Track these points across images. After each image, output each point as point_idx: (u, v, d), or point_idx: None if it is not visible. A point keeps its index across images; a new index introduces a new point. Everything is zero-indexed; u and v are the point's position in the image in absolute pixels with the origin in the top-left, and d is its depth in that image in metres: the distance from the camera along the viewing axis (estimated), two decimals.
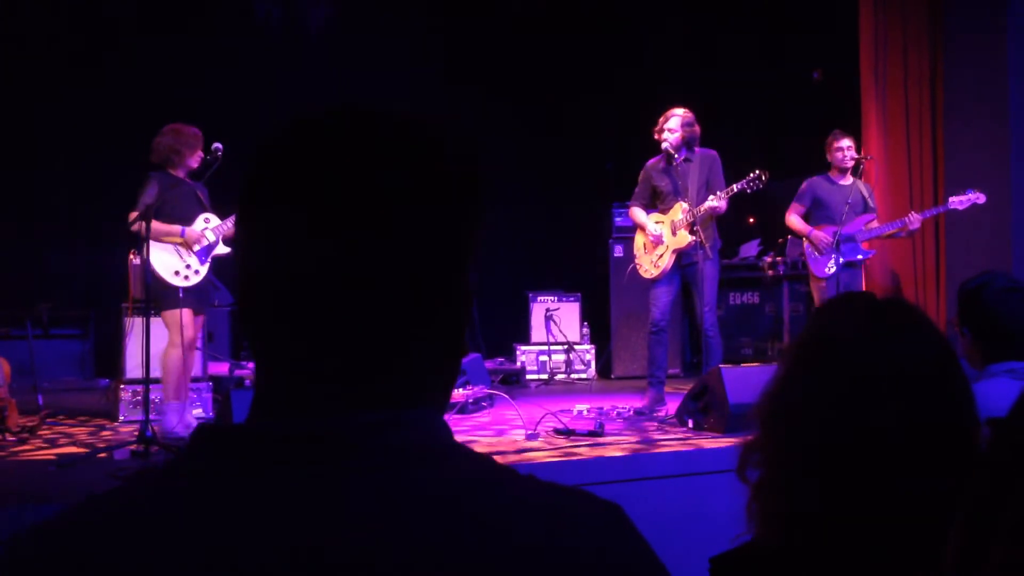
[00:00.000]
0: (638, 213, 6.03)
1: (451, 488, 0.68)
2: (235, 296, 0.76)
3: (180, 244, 5.15)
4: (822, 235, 6.30)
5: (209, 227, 5.28)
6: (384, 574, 0.63)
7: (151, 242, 4.96)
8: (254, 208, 0.74)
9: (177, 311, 5.04)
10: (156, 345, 4.89)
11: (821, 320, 1.29)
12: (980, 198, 6.20)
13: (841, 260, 6.24)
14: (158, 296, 5.09)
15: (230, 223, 5.29)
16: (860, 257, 6.37)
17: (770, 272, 8.33)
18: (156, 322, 5.08)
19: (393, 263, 0.70)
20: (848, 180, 6.43)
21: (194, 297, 5.21)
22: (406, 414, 0.70)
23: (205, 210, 5.34)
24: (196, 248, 5.19)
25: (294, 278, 0.70)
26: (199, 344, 6.33)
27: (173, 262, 5.11)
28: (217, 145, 4.96)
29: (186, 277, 5.16)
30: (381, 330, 0.71)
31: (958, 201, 6.26)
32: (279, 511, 0.65)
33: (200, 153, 5.25)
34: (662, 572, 0.71)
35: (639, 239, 6.07)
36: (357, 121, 0.73)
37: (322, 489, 0.66)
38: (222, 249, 5.34)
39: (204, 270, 5.26)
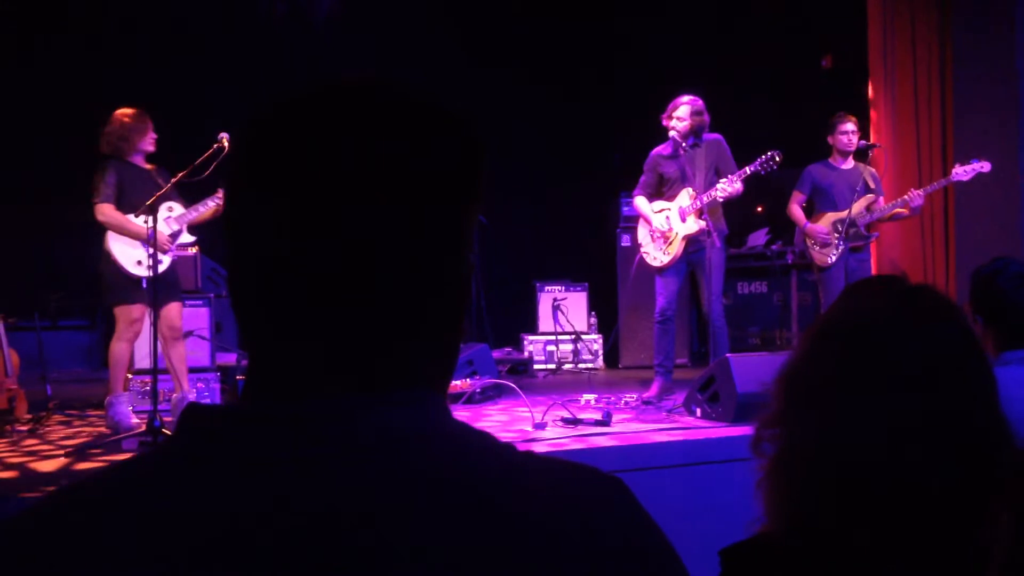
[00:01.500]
0: (642, 204, 5.98)
1: (448, 466, 0.67)
2: (228, 281, 0.75)
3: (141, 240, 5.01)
4: (818, 228, 6.25)
5: (173, 216, 5.14)
6: (380, 555, 0.62)
7: (113, 234, 4.93)
8: (240, 189, 0.72)
9: (129, 307, 4.94)
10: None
11: (850, 300, 1.27)
12: (985, 166, 6.08)
13: (842, 247, 6.18)
14: (112, 288, 5.00)
15: (194, 212, 5.19)
16: (863, 241, 6.31)
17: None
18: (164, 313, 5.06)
19: (385, 243, 0.68)
20: (850, 164, 6.37)
21: (161, 287, 4.99)
22: (401, 394, 0.69)
23: (167, 199, 5.18)
24: (163, 251, 5.04)
25: (282, 259, 0.69)
26: (207, 334, 6.35)
27: (135, 252, 4.98)
28: (223, 134, 4.91)
29: (149, 267, 4.92)
30: (375, 311, 0.69)
31: (962, 171, 6.16)
32: (268, 494, 0.64)
33: (152, 135, 5.12)
34: (665, 543, 0.70)
35: (643, 227, 6.03)
36: (345, 97, 0.72)
37: (314, 471, 0.64)
38: (187, 238, 5.25)
39: (167, 260, 5.11)
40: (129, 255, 4.98)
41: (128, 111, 5.12)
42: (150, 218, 4.95)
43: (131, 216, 4.96)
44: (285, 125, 0.71)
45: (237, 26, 8.63)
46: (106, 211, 4.95)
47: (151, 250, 4.88)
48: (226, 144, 4.85)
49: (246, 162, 0.72)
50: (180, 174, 4.88)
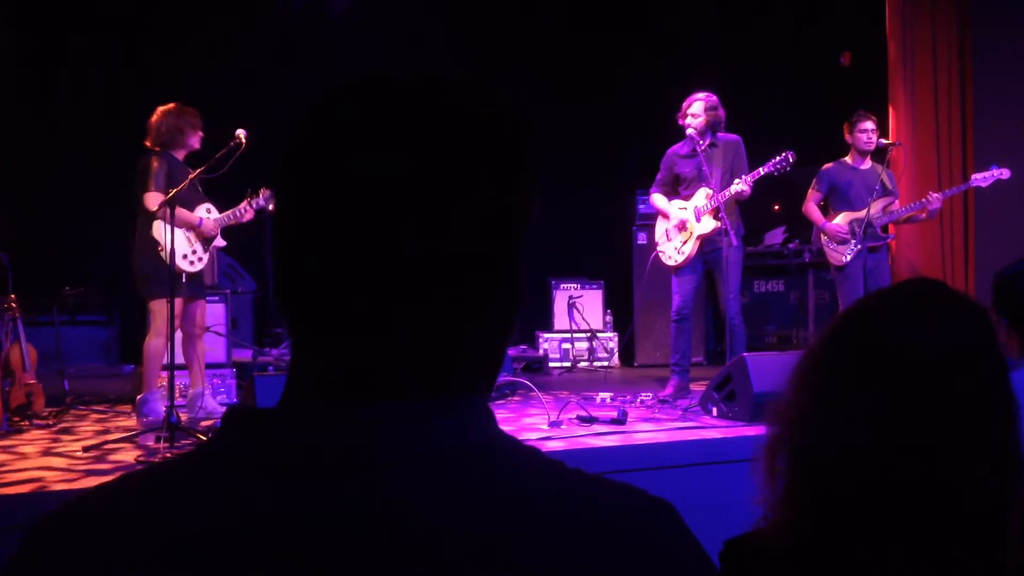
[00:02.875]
0: (659, 200, 5.99)
1: (498, 478, 0.65)
2: (272, 277, 0.73)
3: (191, 231, 5.13)
4: (836, 227, 6.21)
5: (210, 218, 5.23)
6: (426, 567, 0.61)
7: (162, 224, 4.93)
8: (290, 189, 0.70)
9: (165, 300, 4.90)
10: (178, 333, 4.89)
11: (870, 298, 1.28)
12: (1004, 173, 6.05)
13: (858, 247, 6.15)
14: (151, 281, 5.00)
15: (230, 217, 5.26)
16: (881, 242, 6.27)
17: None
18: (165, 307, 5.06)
19: (440, 241, 0.66)
20: (867, 164, 6.32)
21: (192, 284, 5.15)
22: (450, 402, 0.67)
23: (204, 200, 5.28)
24: (207, 238, 5.19)
25: (335, 257, 0.67)
26: (223, 330, 6.38)
27: (182, 246, 5.02)
28: (240, 132, 4.91)
29: (191, 263, 5.11)
30: (425, 313, 0.67)
31: (981, 178, 6.14)
32: (311, 499, 0.63)
33: (201, 133, 5.19)
34: (712, 569, 0.69)
35: (661, 226, 6.03)
36: (392, 92, 0.69)
37: (358, 478, 0.63)
38: (220, 242, 5.31)
39: (206, 258, 5.25)
40: (178, 249, 4.98)
41: (185, 107, 5.17)
42: (201, 207, 5.21)
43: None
44: (334, 123, 0.69)
45: (252, 23, 8.65)
46: (159, 200, 4.90)
47: (194, 245, 5.08)
48: (243, 140, 4.87)
49: (297, 161, 0.70)
50: (197, 171, 4.90)
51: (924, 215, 6.26)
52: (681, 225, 5.80)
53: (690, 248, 5.77)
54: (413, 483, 0.63)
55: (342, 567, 0.61)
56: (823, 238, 6.36)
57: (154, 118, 5.14)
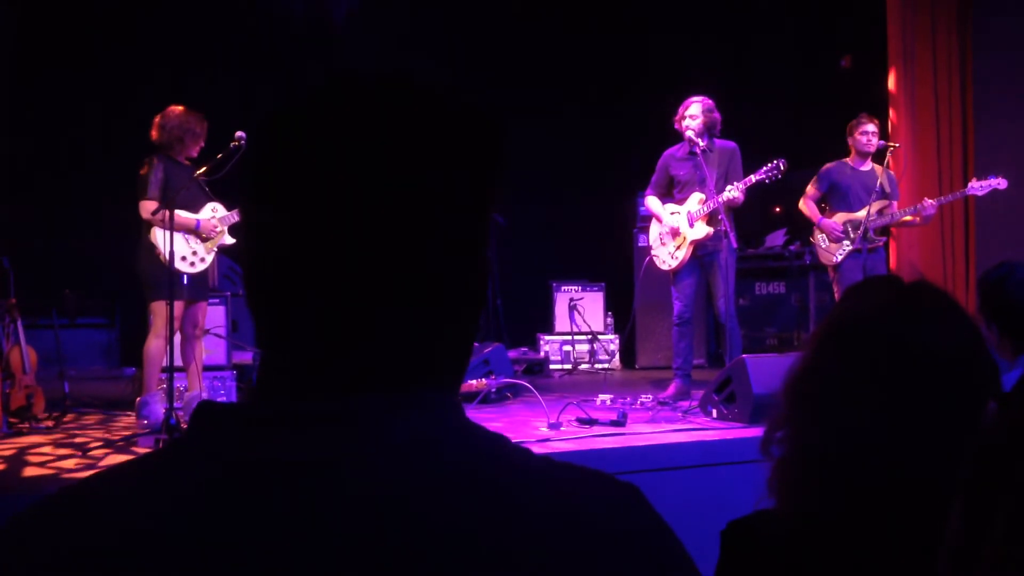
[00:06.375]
0: (654, 203, 6.00)
1: (462, 468, 0.66)
2: (242, 278, 0.74)
3: (190, 232, 5.10)
4: (831, 225, 6.23)
5: (217, 216, 5.21)
6: (394, 558, 0.61)
7: (160, 229, 4.90)
8: (255, 192, 0.71)
9: (166, 302, 4.83)
10: (177, 335, 4.87)
11: (848, 301, 1.28)
12: (1001, 183, 6.08)
13: (850, 247, 6.16)
14: (154, 285, 4.97)
15: (234, 214, 5.22)
16: (875, 244, 6.27)
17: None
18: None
19: (402, 243, 0.67)
20: (868, 166, 6.34)
21: (194, 285, 5.13)
22: (415, 394, 0.68)
23: (210, 199, 5.26)
24: (209, 240, 5.16)
25: (298, 261, 0.68)
26: (223, 332, 6.37)
27: (180, 248, 4.99)
28: (240, 134, 4.89)
29: (191, 264, 5.09)
30: (388, 310, 0.68)
31: (978, 187, 6.15)
32: (277, 494, 0.63)
33: (202, 144, 5.17)
34: (680, 549, 0.70)
35: (654, 229, 6.03)
36: (355, 96, 0.70)
37: (324, 471, 0.64)
38: (228, 239, 5.27)
39: (210, 259, 5.21)
40: (175, 251, 4.96)
41: (193, 113, 5.15)
42: (207, 207, 5.18)
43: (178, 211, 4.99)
44: (295, 128, 0.70)
45: (254, 24, 8.65)
46: (152, 208, 4.91)
47: (193, 247, 5.05)
48: (243, 143, 4.86)
49: (260, 165, 0.71)
50: (198, 172, 4.90)
51: (918, 220, 6.28)
52: (675, 231, 5.80)
53: (683, 253, 5.79)
54: (383, 475, 0.64)
55: (311, 560, 0.61)
56: (816, 237, 6.39)
57: (160, 118, 5.12)
